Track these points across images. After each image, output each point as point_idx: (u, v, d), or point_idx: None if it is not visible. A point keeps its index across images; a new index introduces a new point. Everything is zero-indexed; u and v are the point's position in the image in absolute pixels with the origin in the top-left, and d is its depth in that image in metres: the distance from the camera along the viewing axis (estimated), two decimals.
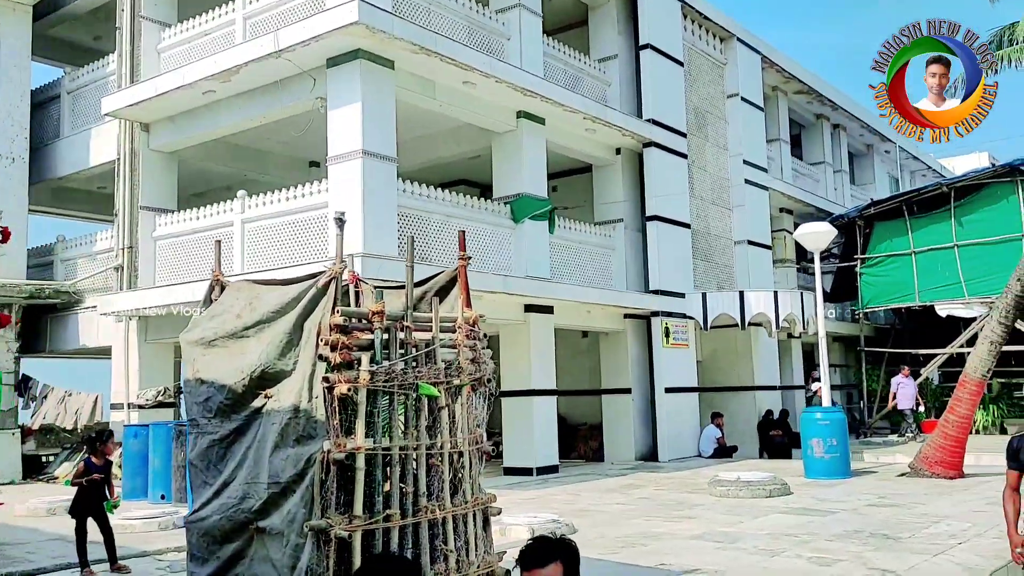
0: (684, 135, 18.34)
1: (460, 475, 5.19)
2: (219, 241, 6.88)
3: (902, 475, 12.94)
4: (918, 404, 20.43)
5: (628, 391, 17.09)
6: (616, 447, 17.13)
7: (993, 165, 20.56)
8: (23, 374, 15.41)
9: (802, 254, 25.03)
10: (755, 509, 10.01)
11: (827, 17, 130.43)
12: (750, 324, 18.09)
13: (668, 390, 17.08)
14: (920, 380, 22.49)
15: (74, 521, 7.37)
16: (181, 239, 14.35)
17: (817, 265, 14.21)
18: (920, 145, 32.92)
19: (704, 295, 17.79)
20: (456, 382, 5.28)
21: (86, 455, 7.44)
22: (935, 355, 21.78)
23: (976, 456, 13.43)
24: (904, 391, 20.08)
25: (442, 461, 5.09)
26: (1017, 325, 17.56)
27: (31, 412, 14.90)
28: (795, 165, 24.92)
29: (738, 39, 20.59)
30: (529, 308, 14.85)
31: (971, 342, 21.95)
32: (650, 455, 16.96)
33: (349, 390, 4.62)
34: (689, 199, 18.46)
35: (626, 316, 17.15)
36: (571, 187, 19.13)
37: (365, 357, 4.77)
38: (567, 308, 15.59)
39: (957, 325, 23.10)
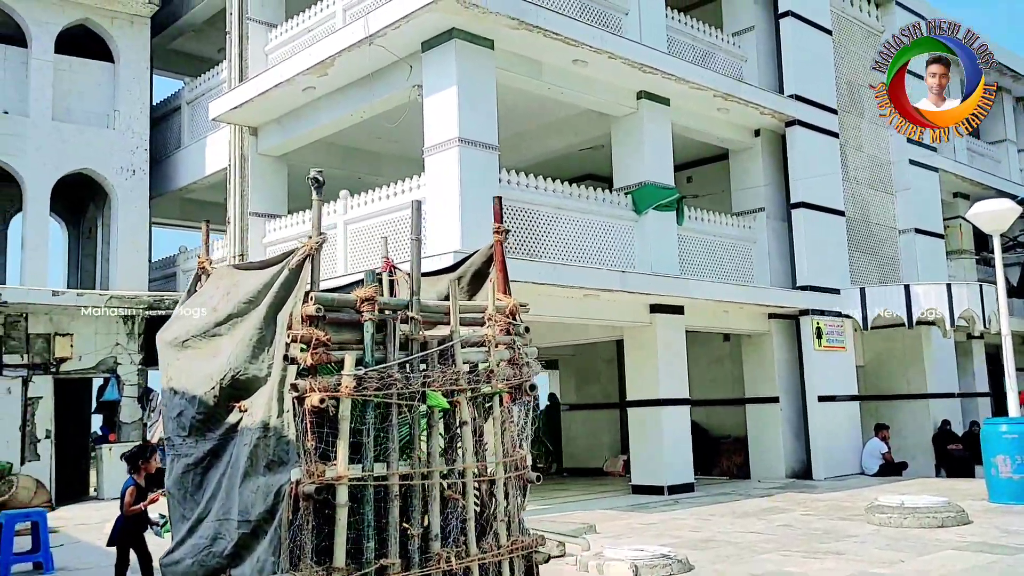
0: (834, 112, 16.30)
1: (491, 511, 3.99)
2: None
3: None
4: None
5: (776, 400, 15.24)
6: (763, 463, 15.31)
7: None
8: (146, 386, 15.45)
9: (982, 244, 22.07)
10: (922, 543, 8.19)
11: None
12: (919, 323, 15.79)
13: (822, 398, 15.10)
14: None
15: (115, 551, 6.64)
16: (289, 244, 13.87)
17: (998, 251, 11.98)
18: None
19: (863, 290, 15.67)
20: (486, 390, 4.09)
21: (128, 476, 6.69)
22: None
23: None
24: None
25: (463, 493, 3.91)
26: None
27: (150, 425, 14.86)
28: (970, 144, 22.01)
29: (897, 2, 18.26)
30: (655, 308, 13.39)
31: None
32: (803, 472, 15.04)
33: (325, 401, 3.53)
34: (842, 183, 16.38)
35: (771, 316, 15.33)
36: (708, 176, 17.49)
37: (349, 358, 3.67)
38: (700, 308, 14.00)
39: None
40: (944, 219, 19.35)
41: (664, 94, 13.71)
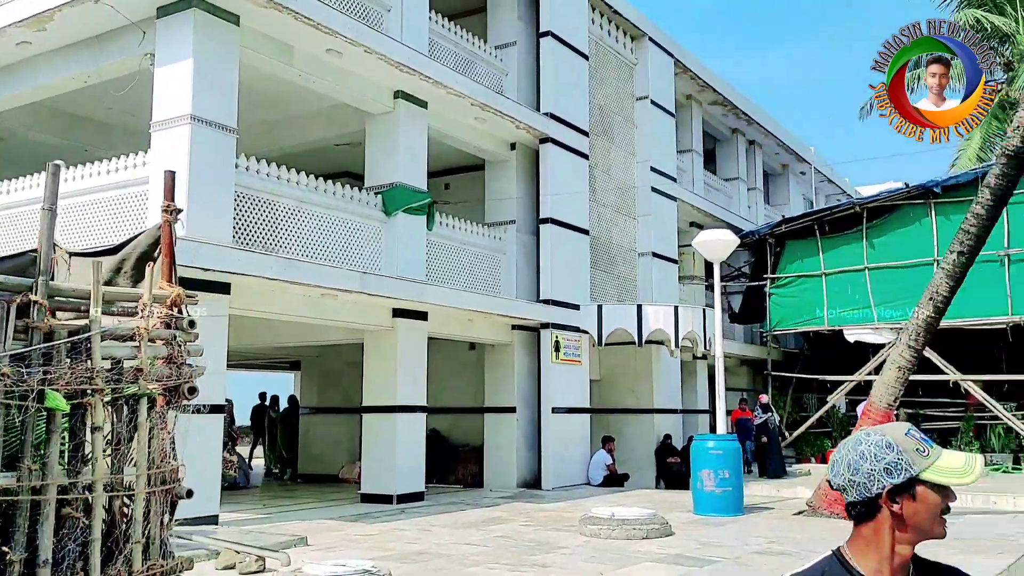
0: (586, 134, 16.92)
1: (120, 531, 3.44)
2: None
3: (799, 513, 11.62)
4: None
5: (513, 410, 15.48)
6: (497, 472, 15.49)
7: (906, 185, 19.72)
8: None
9: (712, 271, 23.92)
10: (624, 555, 8.46)
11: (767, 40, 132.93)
12: (648, 341, 16.72)
13: (556, 410, 15.53)
14: (827, 408, 21.56)
15: None
16: None
17: (716, 278, 12.88)
18: (836, 168, 32.53)
19: (600, 307, 16.34)
20: (131, 390, 3.54)
21: None
22: (842, 382, 20.79)
23: None
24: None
25: (87, 511, 3.34)
26: (925, 352, 16.74)
27: None
28: (707, 179, 23.85)
29: (650, 39, 19.35)
30: (398, 313, 13.11)
31: (879, 370, 21.15)
32: (534, 482, 15.37)
33: None
34: (589, 203, 17.03)
35: (514, 327, 15.58)
36: (466, 184, 17.54)
37: None
38: (445, 315, 13.91)
39: (866, 351, 22.29)
40: (679, 246, 20.72)
41: (422, 96, 13.52)
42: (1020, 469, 19.24)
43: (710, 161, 25.31)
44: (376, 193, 12.99)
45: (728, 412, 21.87)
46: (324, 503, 13.39)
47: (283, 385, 26.48)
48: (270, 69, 11.77)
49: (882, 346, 20.26)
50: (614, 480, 15.97)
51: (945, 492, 1.87)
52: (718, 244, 12.31)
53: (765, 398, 19.57)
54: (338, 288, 11.32)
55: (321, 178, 12.15)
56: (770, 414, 18.67)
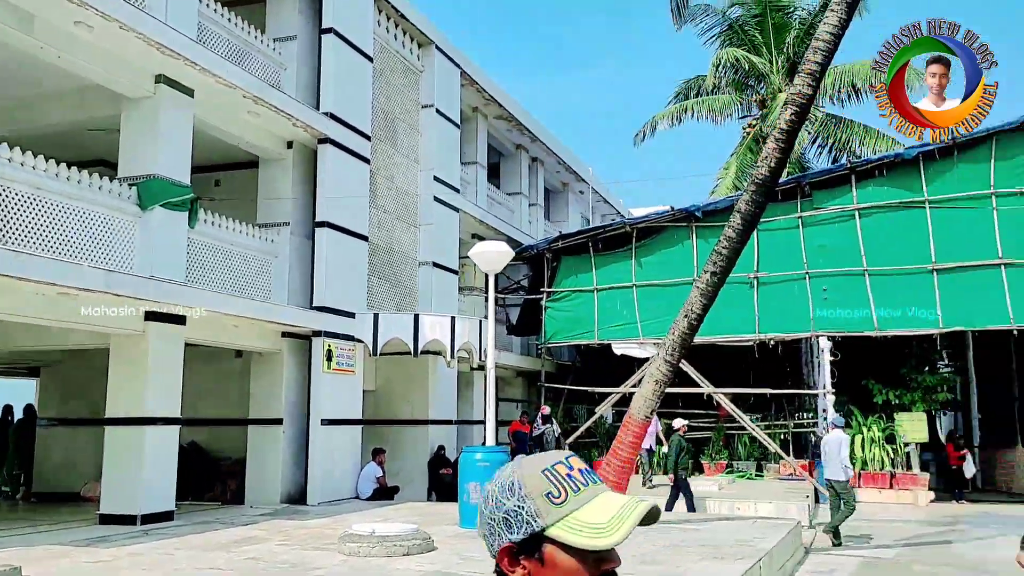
0: (368, 137, 16.51)
1: None
2: None
3: None
4: (659, 442, 19.20)
5: (279, 421, 14.73)
6: (260, 487, 14.65)
7: (672, 209, 20.94)
8: None
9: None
10: (383, 573, 8.13)
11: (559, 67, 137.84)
12: (425, 352, 16.54)
13: (326, 422, 14.94)
14: (595, 418, 22.39)
15: None
16: None
17: (491, 289, 12.89)
18: (612, 189, 34.12)
19: (376, 316, 15.95)
20: None
21: None
22: (609, 393, 21.66)
23: None
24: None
25: None
26: (683, 366, 17.78)
27: None
28: (491, 192, 24.15)
29: (437, 47, 19.28)
30: (151, 316, 12.02)
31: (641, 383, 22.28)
32: (299, 496, 14.68)
33: None
34: (369, 209, 16.62)
35: (284, 335, 14.85)
36: (238, 182, 16.55)
37: None
38: (207, 320, 12.92)
39: (632, 364, 23.40)
40: (461, 257, 20.76)
41: (188, 83, 12.57)
42: (762, 476, 20.91)
43: (494, 175, 25.66)
44: (131, 185, 11.89)
45: (512, 422, 22.20)
46: (57, 525, 12.00)
47: (24, 393, 23.81)
48: (7, 38, 10.44)
49: (646, 360, 21.37)
50: (384, 493, 15.61)
51: (595, 555, 1.36)
52: (493, 256, 12.33)
53: (547, 410, 19.98)
54: (78, 287, 10.18)
55: (64, 164, 10.91)
56: (549, 425, 19.06)
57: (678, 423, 15.67)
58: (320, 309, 15.00)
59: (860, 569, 10.98)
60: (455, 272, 20.01)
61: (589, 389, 22.18)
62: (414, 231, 18.60)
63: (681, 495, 14.47)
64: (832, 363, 19.47)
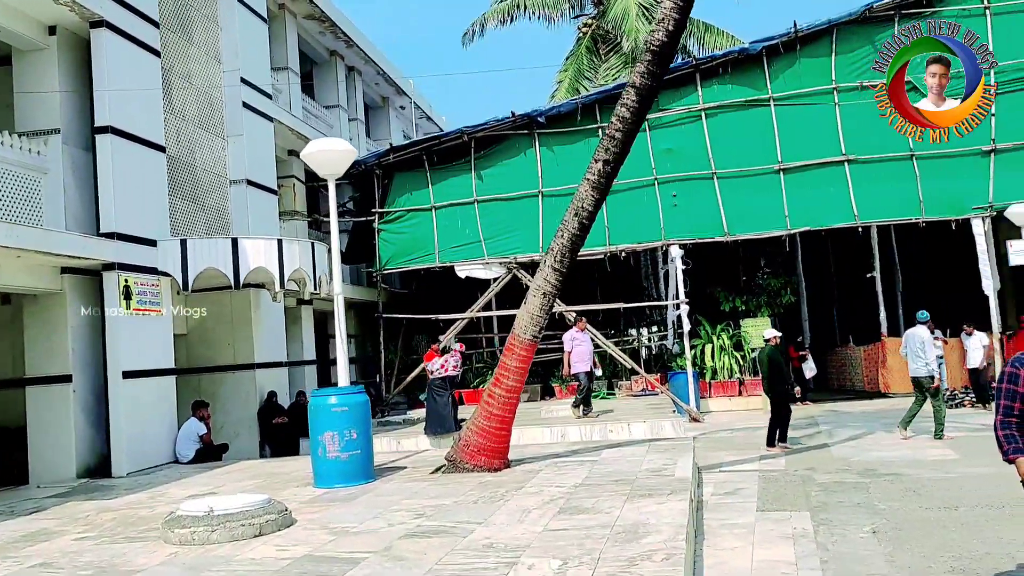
0: (156, 24, 13.42)
1: None
2: None
3: (438, 470, 9.97)
4: (595, 366, 16.67)
5: (68, 379, 11.84)
6: (49, 461, 11.79)
7: (512, 115, 19.10)
8: None
9: (313, 208, 21.59)
10: (229, 568, 5.97)
11: None
12: (247, 284, 13.98)
13: (129, 374, 12.17)
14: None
15: None
16: None
17: (332, 196, 10.58)
18: (433, 105, 31.87)
19: (184, 243, 13.17)
20: None
21: None
22: (455, 320, 19.89)
23: (517, 433, 11.06)
24: (580, 349, 15.15)
25: None
26: (529, 282, 16.12)
27: None
28: (307, 104, 21.30)
29: None
30: None
31: (490, 305, 20.70)
32: (101, 468, 11.96)
33: None
34: (165, 114, 13.64)
35: (65, 271, 11.87)
36: None
37: None
38: None
39: (475, 288, 21.73)
40: (279, 176, 18.02)
41: None
42: (614, 395, 20.01)
43: (308, 86, 22.75)
44: None
45: (352, 360, 19.86)
46: None
47: None
48: None
49: (494, 280, 19.73)
50: (210, 453, 13.13)
51: None
52: (333, 155, 10.03)
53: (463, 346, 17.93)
54: None
55: None
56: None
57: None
58: (110, 236, 12.07)
59: (765, 484, 9.96)
60: (274, 192, 17.27)
61: (434, 317, 20.27)
62: (222, 143, 15.69)
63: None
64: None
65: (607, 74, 22.00)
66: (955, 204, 17.93)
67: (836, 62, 18.38)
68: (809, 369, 20.71)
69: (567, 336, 15.43)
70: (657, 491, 7.71)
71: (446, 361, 13.26)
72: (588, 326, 16.30)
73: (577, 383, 15.68)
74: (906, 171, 18.05)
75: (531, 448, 11.76)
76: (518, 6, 23.37)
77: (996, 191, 17.69)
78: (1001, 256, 18.07)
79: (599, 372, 17.83)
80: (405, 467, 10.73)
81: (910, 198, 18.03)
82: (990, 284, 17.68)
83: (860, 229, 18.64)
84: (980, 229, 17.69)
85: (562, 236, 9.34)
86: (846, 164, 18.22)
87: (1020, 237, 17.21)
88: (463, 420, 11.62)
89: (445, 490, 8.65)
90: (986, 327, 17.66)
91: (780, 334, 14.04)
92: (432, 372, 13.27)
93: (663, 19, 8.87)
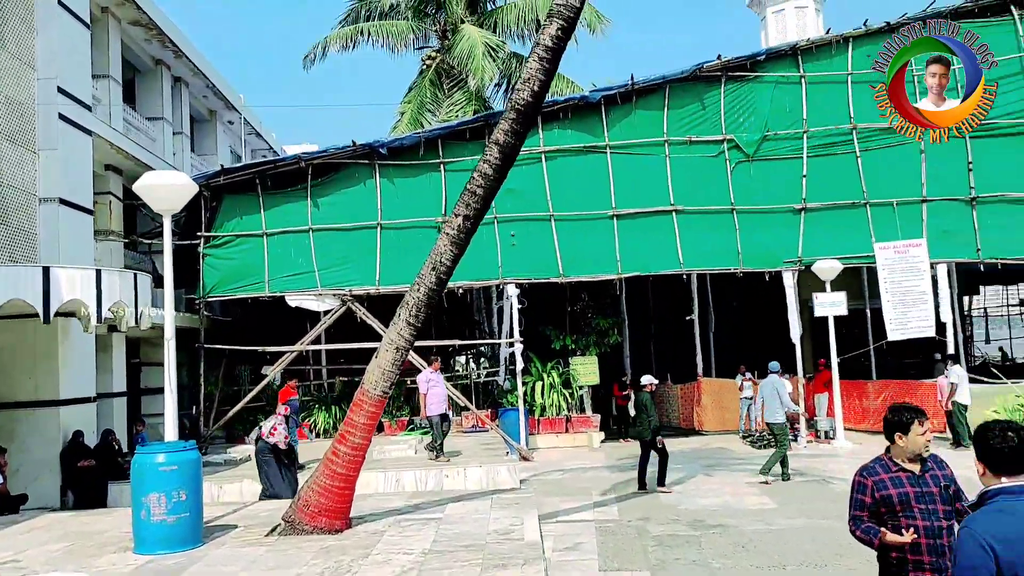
0: None
1: None
2: None
3: (274, 531, 9.41)
4: (448, 408, 15.88)
5: None
6: None
7: (353, 144, 18.64)
8: None
9: (130, 226, 20.12)
10: None
11: None
12: (59, 314, 12.73)
13: None
14: (266, 382, 19.71)
15: None
16: None
17: (167, 236, 9.82)
18: (264, 121, 30.71)
19: None
20: None
21: None
22: (283, 353, 19.09)
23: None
24: (436, 391, 14.83)
25: None
26: (369, 320, 15.73)
27: None
28: (128, 115, 19.88)
29: None
30: None
31: (320, 340, 19.98)
32: None
33: None
34: None
35: None
36: None
37: None
38: None
39: (305, 320, 21.00)
40: (95, 193, 16.62)
41: None
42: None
43: (129, 96, 21.25)
44: None
45: (184, 413, 18.53)
46: None
47: None
48: None
49: (325, 313, 19.11)
50: (5, 506, 11.78)
51: None
52: (172, 190, 9.31)
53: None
54: None
55: None
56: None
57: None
58: None
59: (602, 537, 10.14)
60: (90, 212, 15.89)
61: (260, 349, 19.34)
62: (33, 157, 14.29)
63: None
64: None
65: (451, 109, 22.02)
66: (769, 257, 19.23)
67: (668, 116, 19.29)
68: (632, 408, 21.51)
69: (422, 378, 15.18)
70: (511, 561, 7.63)
71: (274, 428, 12.36)
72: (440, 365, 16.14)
73: (430, 426, 15.29)
74: (727, 223, 19.17)
75: (369, 500, 11.38)
76: (361, 32, 22.93)
77: (804, 247, 19.14)
78: (804, 303, 19.56)
79: (451, 414, 17.56)
80: (236, 526, 10.07)
81: (730, 249, 19.15)
82: (797, 333, 19.07)
83: (685, 276, 19.59)
84: (790, 281, 19.06)
85: (418, 290, 9.13)
86: (674, 214, 19.10)
87: (824, 290, 18.72)
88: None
89: (285, 559, 8.16)
90: (791, 371, 19.01)
91: (657, 381, 14.56)
92: (261, 429, 12.47)
93: (528, 79, 8.91)
